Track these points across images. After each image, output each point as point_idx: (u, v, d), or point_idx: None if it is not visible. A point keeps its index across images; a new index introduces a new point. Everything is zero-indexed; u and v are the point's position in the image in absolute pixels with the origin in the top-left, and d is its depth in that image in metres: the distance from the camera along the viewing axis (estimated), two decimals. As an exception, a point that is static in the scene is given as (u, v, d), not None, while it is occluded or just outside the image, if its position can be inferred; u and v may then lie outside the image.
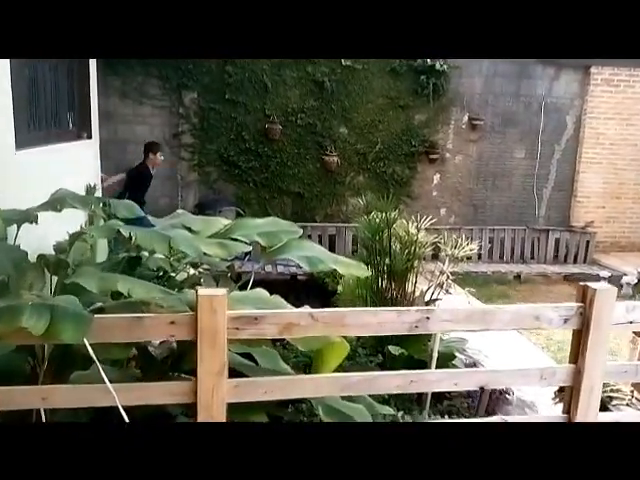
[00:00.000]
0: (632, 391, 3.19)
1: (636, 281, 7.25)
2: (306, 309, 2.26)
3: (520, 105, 8.44)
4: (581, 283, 2.43)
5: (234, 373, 2.34)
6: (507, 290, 7.11)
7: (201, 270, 4.06)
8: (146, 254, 3.29)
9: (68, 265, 2.89)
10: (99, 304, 2.19)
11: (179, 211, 4.18)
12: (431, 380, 2.37)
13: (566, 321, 2.40)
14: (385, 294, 4.34)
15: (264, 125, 7.72)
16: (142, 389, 2.17)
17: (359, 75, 7.90)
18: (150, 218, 3.70)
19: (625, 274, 7.46)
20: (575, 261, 8.32)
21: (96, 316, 2.01)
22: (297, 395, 2.26)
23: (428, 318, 2.26)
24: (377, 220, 4.27)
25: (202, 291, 2.09)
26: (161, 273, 3.60)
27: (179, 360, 2.81)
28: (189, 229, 3.65)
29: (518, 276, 7.67)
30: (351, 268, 3.22)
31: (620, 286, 7.29)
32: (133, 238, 2.74)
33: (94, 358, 1.97)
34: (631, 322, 2.44)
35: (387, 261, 4.31)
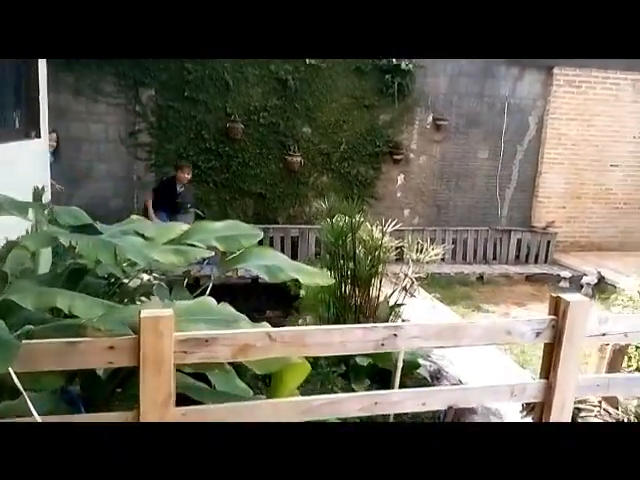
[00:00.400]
0: (600, 402, 3.12)
1: (596, 281, 7.34)
2: (263, 328, 2.07)
3: (484, 105, 8.44)
4: (553, 295, 2.32)
5: (183, 397, 2.14)
6: (470, 291, 7.08)
7: (156, 275, 3.83)
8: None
9: (5, 277, 2.65)
10: (28, 327, 1.96)
11: (133, 217, 3.95)
12: (396, 401, 2.21)
13: (538, 335, 2.29)
14: (349, 300, 4.20)
15: (225, 124, 7.48)
16: (78, 420, 1.95)
17: (323, 74, 7.74)
18: (99, 225, 3.46)
19: (585, 274, 7.54)
20: (536, 261, 8.36)
21: (24, 342, 1.78)
22: (255, 420, 2.07)
23: (396, 335, 2.11)
24: (341, 224, 4.13)
25: (145, 312, 1.88)
26: (112, 280, 3.38)
27: (128, 379, 2.59)
28: (142, 236, 3.42)
29: (481, 277, 7.66)
30: (315, 277, 3.06)
31: (580, 286, 7.38)
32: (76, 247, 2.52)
33: (21, 390, 1.75)
34: (604, 334, 2.35)
35: (351, 266, 4.18)
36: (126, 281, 3.44)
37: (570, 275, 7.61)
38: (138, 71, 7.17)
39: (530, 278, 7.80)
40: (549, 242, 8.42)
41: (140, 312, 1.92)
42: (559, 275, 7.68)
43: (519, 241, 8.36)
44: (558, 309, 2.30)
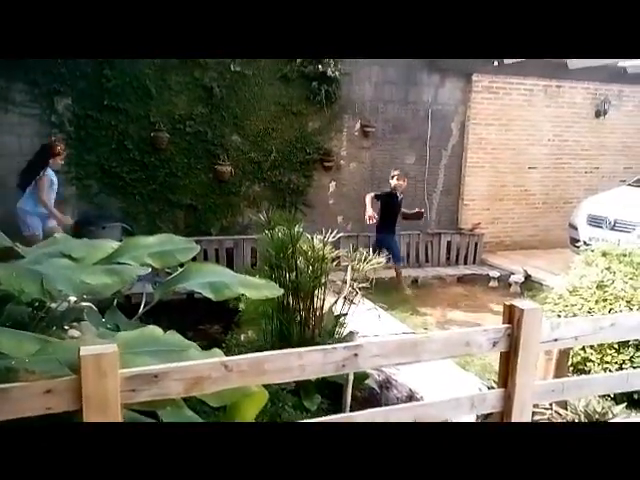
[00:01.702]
0: (551, 404, 3.19)
1: (523, 279, 7.64)
2: (218, 358, 1.92)
3: (409, 112, 8.60)
4: (507, 303, 2.32)
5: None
6: (406, 296, 7.15)
7: (85, 296, 3.56)
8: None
9: None
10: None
11: (57, 235, 3.65)
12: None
13: (495, 344, 2.29)
14: (293, 312, 4.10)
15: (149, 133, 7.16)
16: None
17: (249, 81, 7.60)
18: (20, 248, 3.15)
19: (513, 273, 7.84)
20: (466, 262, 8.62)
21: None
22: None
23: (356, 355, 2.03)
24: (281, 236, 4.02)
25: (85, 349, 1.69)
26: (37, 304, 3.10)
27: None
28: (69, 257, 3.16)
29: (415, 280, 7.78)
30: (263, 290, 2.95)
31: (509, 285, 7.66)
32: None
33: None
34: (556, 340, 2.38)
35: (293, 277, 4.08)
36: (53, 306, 3.17)
37: (498, 275, 7.88)
38: (52, 79, 6.71)
39: (461, 279, 8.02)
40: (477, 243, 8.70)
41: (79, 350, 1.73)
42: (488, 275, 7.94)
43: (449, 243, 8.59)
44: (512, 317, 2.31)
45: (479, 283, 7.89)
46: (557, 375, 3.29)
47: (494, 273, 7.93)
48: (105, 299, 3.54)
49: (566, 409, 3.24)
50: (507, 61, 8.60)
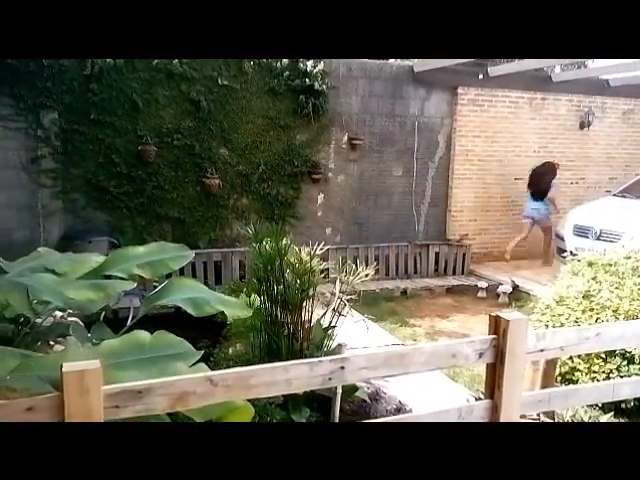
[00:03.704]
0: (538, 415, 3.20)
1: (511, 290, 7.68)
2: (203, 373, 1.91)
3: (396, 124, 8.67)
4: (492, 314, 2.33)
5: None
6: (396, 307, 7.18)
7: (71, 311, 3.53)
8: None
9: None
10: None
11: (40, 249, 3.61)
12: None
13: (481, 355, 2.29)
14: (281, 325, 4.08)
15: (136, 147, 7.15)
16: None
17: (237, 94, 7.63)
18: (3, 263, 3.12)
19: (501, 283, 7.88)
20: (454, 273, 8.66)
21: None
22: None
23: (343, 368, 2.03)
24: (268, 249, 4.01)
25: (68, 365, 1.67)
26: (21, 319, 3.07)
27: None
28: (53, 271, 3.13)
29: (404, 292, 7.80)
30: (236, 309, 2.97)
31: (497, 295, 7.69)
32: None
33: None
34: (542, 350, 2.39)
35: (281, 290, 4.06)
36: (38, 321, 3.14)
37: (487, 285, 7.92)
38: (38, 93, 6.69)
39: (450, 290, 8.05)
40: (465, 254, 8.75)
41: (62, 366, 1.71)
42: (477, 286, 7.98)
43: (437, 254, 8.62)
44: (498, 328, 2.32)
45: (468, 294, 7.93)
46: (544, 385, 3.30)
47: (482, 284, 7.96)
48: (92, 314, 3.52)
49: (553, 419, 3.24)
50: (492, 74, 8.74)
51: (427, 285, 8.05)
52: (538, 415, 3.19)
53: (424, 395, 3.80)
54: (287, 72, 7.78)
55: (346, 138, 8.39)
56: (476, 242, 9.17)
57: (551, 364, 3.43)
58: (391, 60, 10.18)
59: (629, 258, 5.04)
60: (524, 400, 2.42)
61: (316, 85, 7.86)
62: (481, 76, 8.77)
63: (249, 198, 7.87)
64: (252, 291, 4.23)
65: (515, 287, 7.68)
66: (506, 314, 2.33)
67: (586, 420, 3.22)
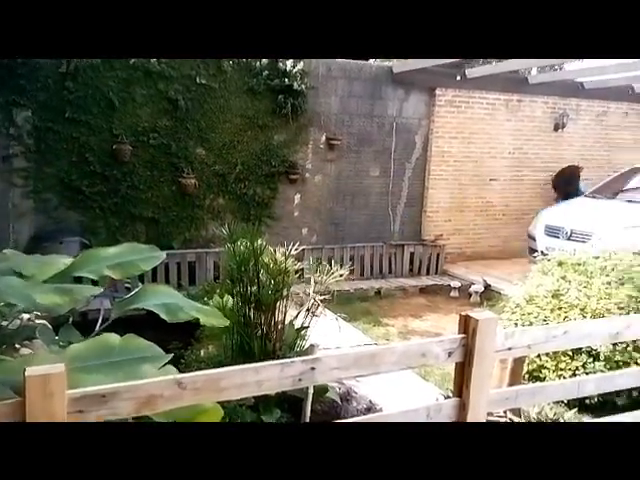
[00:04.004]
0: (505, 412, 3.25)
1: (483, 289, 7.78)
2: (172, 376, 1.90)
3: (374, 125, 8.72)
4: (462, 313, 2.37)
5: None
6: (370, 307, 7.22)
7: (38, 313, 3.47)
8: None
9: None
10: None
11: (6, 251, 3.55)
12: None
13: (450, 354, 2.33)
14: (254, 326, 4.07)
15: (111, 146, 7.07)
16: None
17: (215, 94, 7.59)
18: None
19: (473, 283, 7.98)
20: (428, 273, 8.75)
21: None
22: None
23: (314, 369, 2.04)
24: (243, 249, 4.00)
25: (31, 370, 1.65)
26: (-12, 322, 3.01)
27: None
28: (20, 274, 3.08)
29: (379, 292, 7.86)
30: (211, 317, 2.96)
31: (469, 294, 7.79)
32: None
33: None
34: (510, 348, 2.44)
35: (255, 290, 4.06)
36: (4, 323, 3.09)
37: (459, 285, 8.01)
38: (11, 91, 6.58)
39: (424, 290, 8.13)
40: (439, 254, 8.84)
41: (25, 370, 1.68)
42: (450, 285, 8.07)
43: (412, 254, 8.70)
44: (467, 327, 2.35)
45: (441, 293, 8.02)
46: (512, 383, 3.36)
47: (455, 283, 8.06)
48: (60, 316, 3.47)
49: (520, 416, 3.30)
50: (470, 76, 8.83)
51: (401, 285, 8.12)
52: (505, 412, 3.25)
53: (395, 394, 3.84)
54: (266, 72, 7.77)
55: (324, 138, 8.41)
56: (450, 242, 9.28)
57: (519, 362, 3.49)
58: (371, 61, 10.24)
59: (597, 258, 5.16)
60: (492, 398, 2.46)
61: (295, 85, 7.86)
62: (459, 77, 8.87)
63: (225, 198, 7.84)
64: (226, 292, 4.22)
65: (487, 286, 7.79)
66: (476, 313, 2.37)
67: (551, 416, 3.28)
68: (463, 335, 2.35)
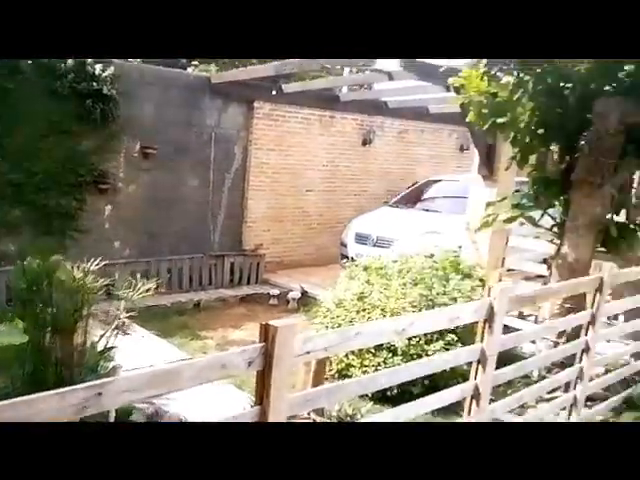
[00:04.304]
0: (309, 413, 3.38)
1: (300, 295, 8.08)
2: None
3: (192, 135, 8.57)
4: (262, 323, 2.41)
5: None
6: (188, 320, 7.07)
7: None
8: None
9: None
10: None
11: None
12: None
13: (250, 364, 2.35)
14: (49, 352, 3.70)
15: None
16: None
17: (12, 95, 6.82)
18: None
19: (291, 290, 8.25)
20: (249, 282, 8.84)
21: None
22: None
23: (100, 394, 1.90)
24: (35, 266, 3.63)
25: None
26: None
27: None
28: None
29: (198, 304, 7.75)
30: (2, 336, 2.65)
31: (287, 301, 8.03)
32: None
33: None
34: (308, 352, 2.54)
35: (50, 312, 3.70)
36: None
37: (278, 292, 8.23)
38: None
39: (244, 299, 8.21)
40: (259, 263, 9.00)
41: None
42: (269, 294, 8.25)
43: (232, 265, 8.72)
44: (267, 335, 2.39)
45: (261, 302, 8.16)
46: (315, 384, 3.53)
47: (274, 291, 8.26)
48: None
49: (323, 415, 3.47)
50: (286, 90, 9.12)
51: (221, 296, 8.10)
52: (309, 413, 3.39)
53: (208, 407, 3.78)
54: (72, 74, 7.19)
55: (138, 146, 8.04)
56: (270, 251, 9.48)
57: (321, 364, 3.67)
58: (189, 69, 10.08)
59: (396, 262, 5.66)
60: (293, 401, 2.54)
61: (105, 89, 7.39)
62: (274, 92, 9.11)
63: (22, 210, 7.05)
64: (17, 316, 3.78)
65: (304, 293, 8.11)
66: (275, 321, 2.42)
67: (350, 412, 3.50)
68: (263, 344, 2.39)
